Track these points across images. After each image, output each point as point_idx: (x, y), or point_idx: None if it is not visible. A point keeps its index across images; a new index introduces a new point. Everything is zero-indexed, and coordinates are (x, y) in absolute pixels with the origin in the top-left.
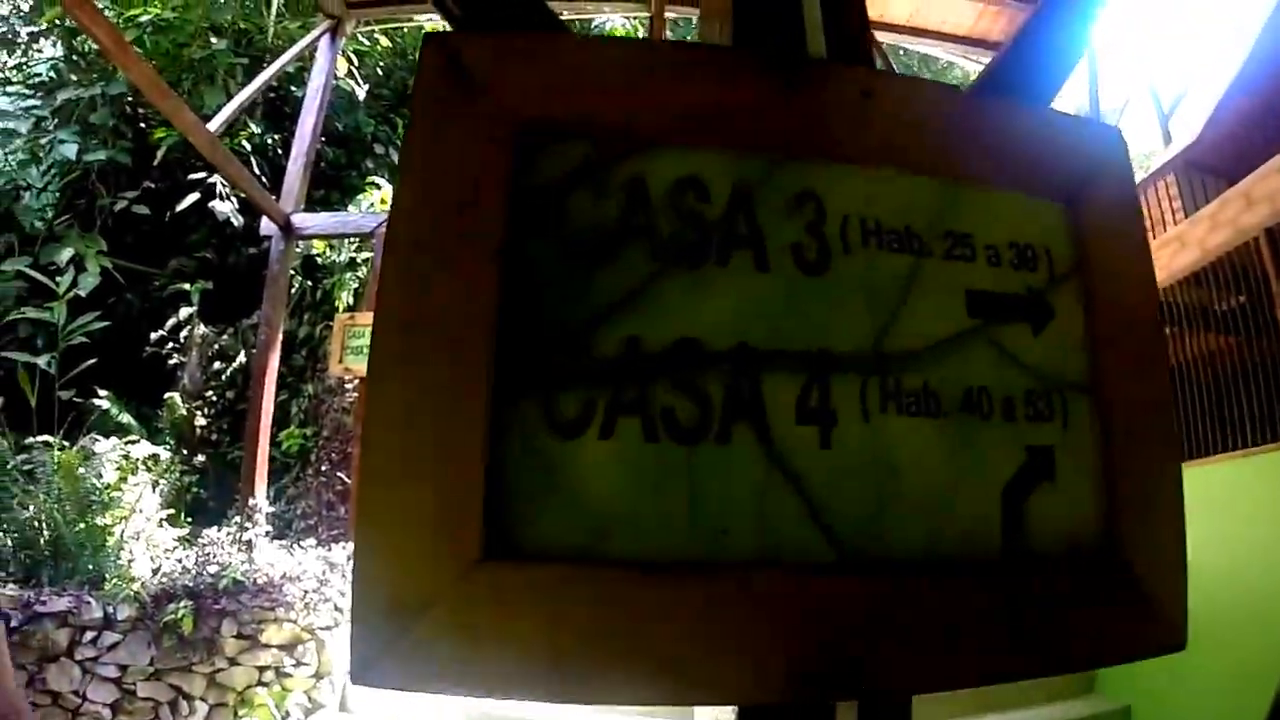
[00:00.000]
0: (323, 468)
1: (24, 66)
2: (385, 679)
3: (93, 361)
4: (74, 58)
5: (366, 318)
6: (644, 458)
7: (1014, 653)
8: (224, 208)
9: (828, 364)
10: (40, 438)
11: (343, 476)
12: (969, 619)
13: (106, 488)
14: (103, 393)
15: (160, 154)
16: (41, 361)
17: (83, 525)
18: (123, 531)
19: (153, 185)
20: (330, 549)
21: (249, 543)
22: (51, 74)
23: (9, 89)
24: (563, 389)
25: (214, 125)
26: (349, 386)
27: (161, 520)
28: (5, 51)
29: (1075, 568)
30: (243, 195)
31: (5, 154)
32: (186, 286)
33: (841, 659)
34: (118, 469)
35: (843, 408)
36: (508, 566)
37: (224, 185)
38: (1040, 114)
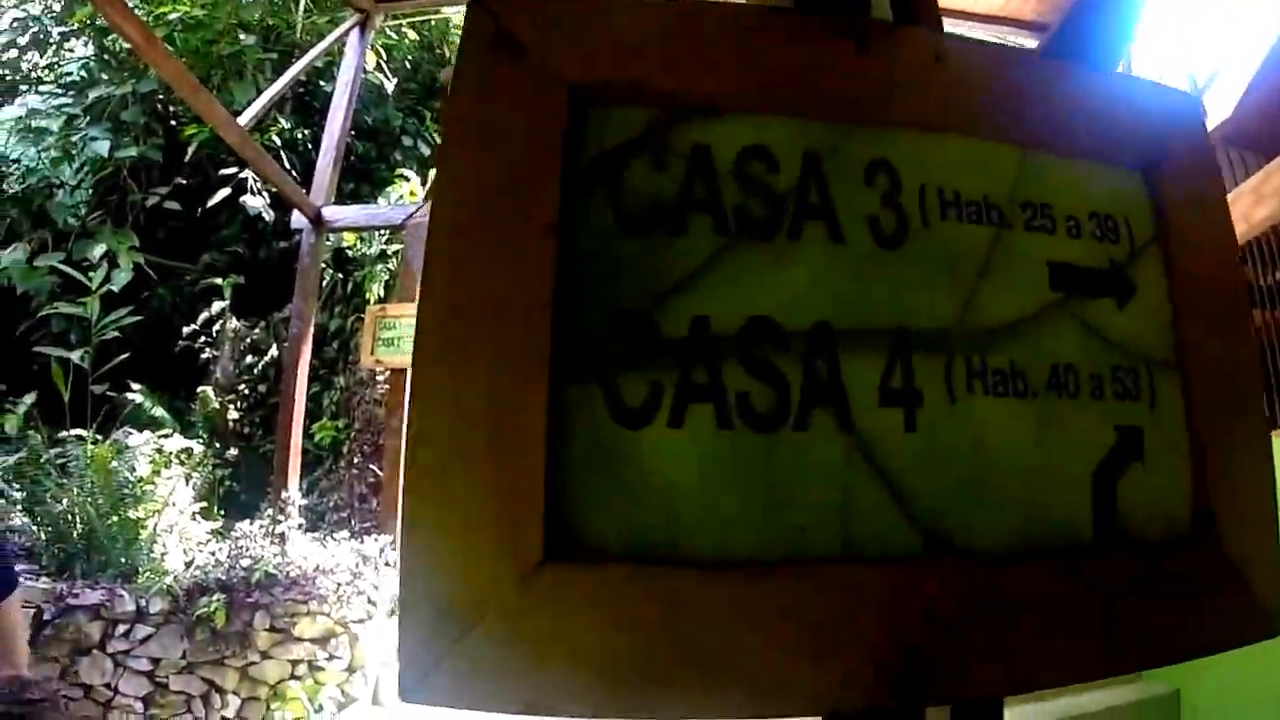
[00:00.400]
0: (355, 460)
1: (56, 66)
2: (438, 696)
3: (125, 356)
4: (105, 56)
5: (398, 309)
6: (717, 447)
7: (1109, 647)
8: (255, 202)
9: (909, 342)
10: (74, 432)
11: (375, 469)
12: (1063, 611)
13: (139, 481)
14: (136, 387)
15: (191, 151)
16: (75, 356)
17: (116, 518)
18: (156, 525)
19: (184, 182)
20: (363, 541)
21: (282, 535)
22: (83, 73)
23: (41, 88)
24: (626, 374)
25: (244, 120)
26: (380, 379)
27: (194, 513)
28: (37, 52)
29: (1167, 553)
30: (273, 190)
31: (38, 151)
32: (218, 281)
33: (932, 659)
34: (151, 463)
35: (928, 388)
36: (572, 568)
37: (255, 180)
38: (1114, 78)
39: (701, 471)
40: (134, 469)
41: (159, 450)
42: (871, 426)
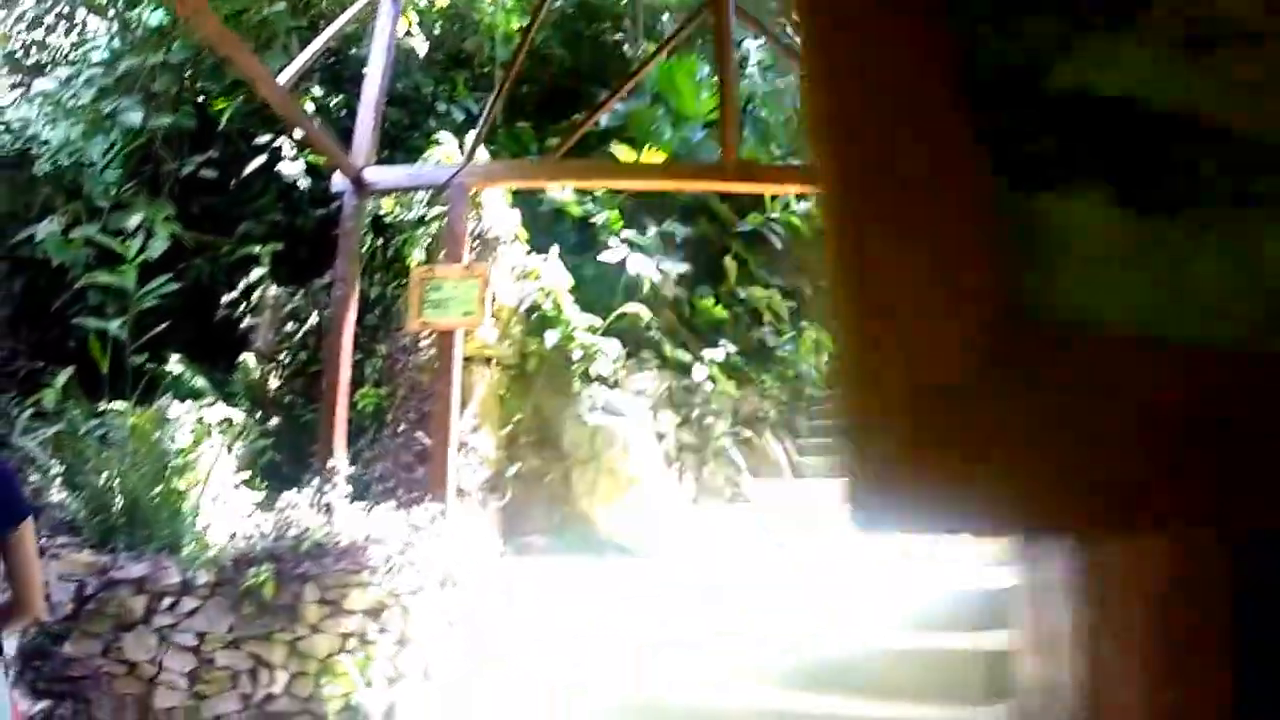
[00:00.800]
0: (399, 428)
1: (83, 43)
2: (894, 516)
3: (164, 327)
4: (133, 27)
5: (445, 270)
6: (1124, 225)
7: None
8: (291, 170)
9: None
10: (113, 404)
11: (420, 437)
12: None
13: (181, 451)
14: (174, 357)
15: (225, 119)
16: (113, 328)
17: (159, 489)
18: (200, 495)
19: (215, 155)
20: (410, 511)
21: (328, 505)
22: (111, 47)
23: (71, 61)
24: (1025, 143)
25: (284, 78)
26: (424, 343)
27: (237, 484)
28: (63, 32)
29: None
30: (309, 158)
31: (70, 124)
32: (256, 249)
33: None
34: (192, 433)
35: None
36: (1023, 345)
37: (290, 147)
38: None
39: (1109, 250)
40: (175, 440)
41: (199, 420)
42: None
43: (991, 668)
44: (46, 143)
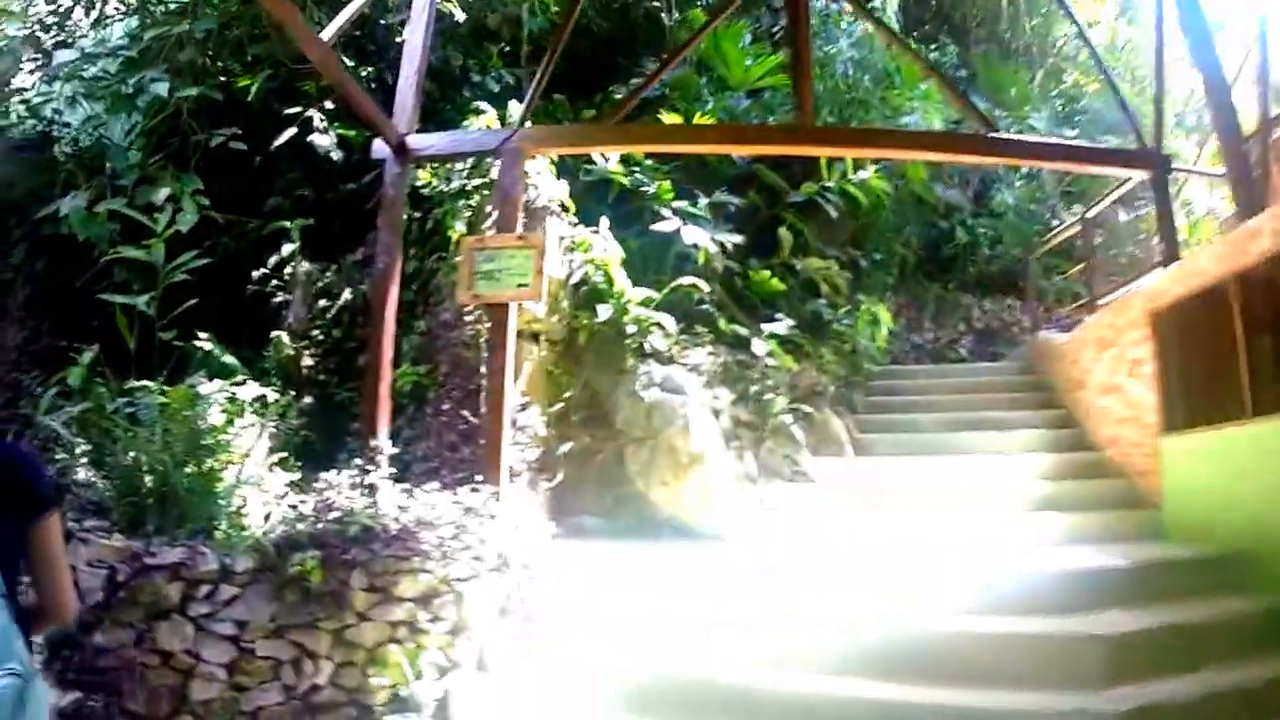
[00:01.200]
0: (443, 406)
1: (105, 23)
2: None
3: (193, 303)
4: (154, 3)
5: (499, 240)
6: None
7: None
8: (323, 141)
9: None
10: (141, 382)
11: (466, 414)
12: None
13: (213, 430)
14: (204, 335)
15: (253, 90)
16: (140, 303)
17: (191, 470)
18: (237, 476)
19: (239, 132)
20: (456, 492)
21: (372, 486)
22: (130, 27)
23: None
24: None
25: (327, 34)
26: (468, 319)
27: (271, 464)
28: (84, 10)
29: None
30: (340, 130)
31: (92, 101)
32: (287, 224)
33: None
34: (224, 411)
35: None
36: None
37: (321, 120)
38: None
39: None
40: (207, 418)
41: (232, 398)
42: None
43: (1066, 653)
44: (68, 124)
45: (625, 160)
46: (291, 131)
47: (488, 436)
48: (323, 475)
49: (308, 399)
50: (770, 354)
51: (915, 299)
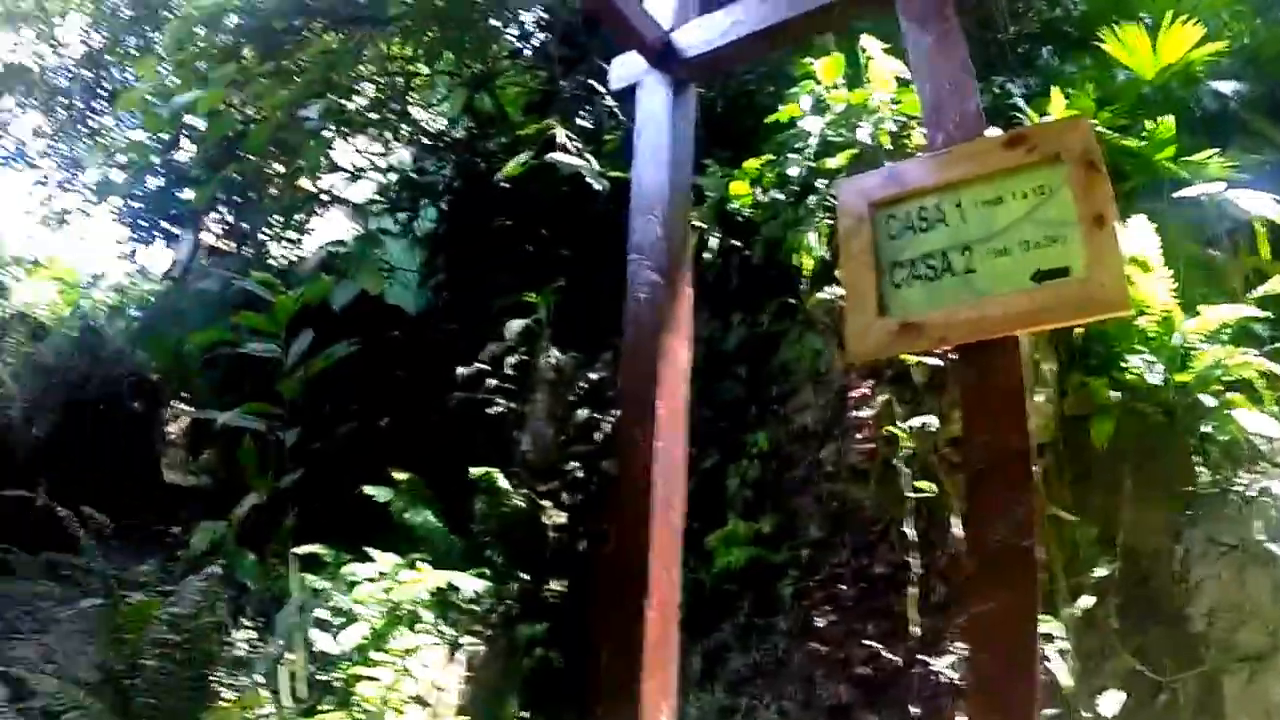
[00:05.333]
0: (816, 614)
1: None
2: None
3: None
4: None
5: (957, 159)
6: None
7: None
8: (571, 161)
9: None
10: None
11: (871, 635)
12: None
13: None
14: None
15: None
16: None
17: None
18: None
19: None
20: None
21: None
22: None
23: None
24: None
25: None
26: (862, 413)
27: None
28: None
29: None
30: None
31: None
32: (531, 297)
33: None
34: (385, 613)
35: None
36: None
37: (567, 136)
38: None
39: None
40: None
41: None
42: None
43: None
44: None
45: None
46: (525, 157)
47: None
48: None
49: (554, 585)
50: None
51: None
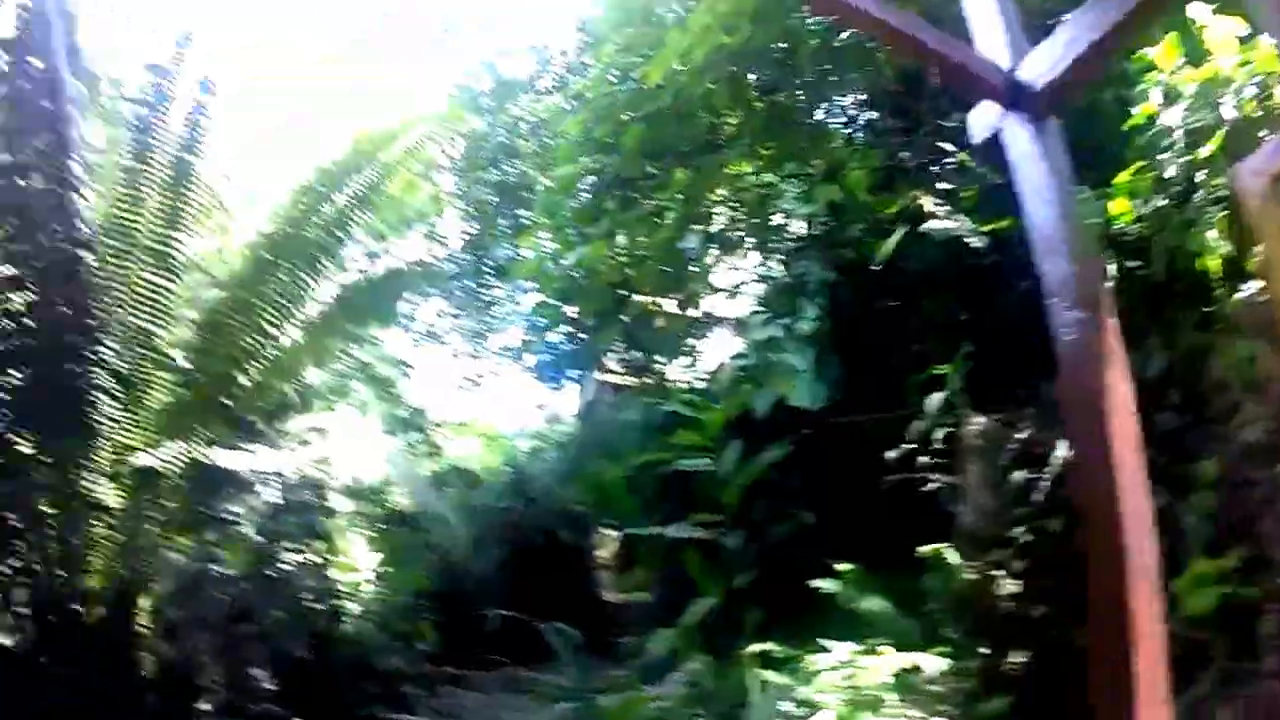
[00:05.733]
0: None
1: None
2: None
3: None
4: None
5: None
6: None
7: None
8: (946, 225)
9: None
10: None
11: None
12: None
13: None
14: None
15: None
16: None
17: None
18: None
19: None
20: None
21: None
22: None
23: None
24: None
25: None
26: None
27: None
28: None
29: None
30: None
31: None
32: (942, 369)
33: None
34: (847, 700)
35: None
36: None
37: (933, 199)
38: None
39: None
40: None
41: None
42: None
43: None
44: None
45: None
46: (897, 235)
47: None
48: None
49: (1012, 656)
50: None
51: None
